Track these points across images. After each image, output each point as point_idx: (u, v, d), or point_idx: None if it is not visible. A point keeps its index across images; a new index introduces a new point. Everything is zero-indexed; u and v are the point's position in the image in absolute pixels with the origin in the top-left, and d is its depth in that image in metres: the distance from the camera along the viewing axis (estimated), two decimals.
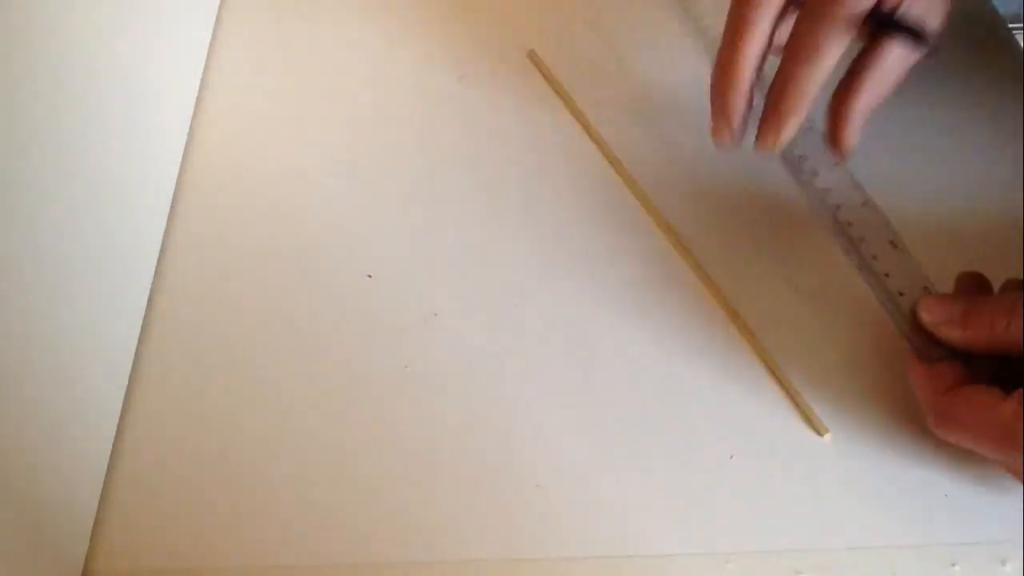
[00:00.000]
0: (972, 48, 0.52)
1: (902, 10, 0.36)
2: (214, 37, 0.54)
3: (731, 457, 0.37)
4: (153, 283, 0.43)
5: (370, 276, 0.44)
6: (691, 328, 0.41)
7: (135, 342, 0.41)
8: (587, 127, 0.49)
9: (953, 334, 0.33)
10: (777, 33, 0.38)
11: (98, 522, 0.36)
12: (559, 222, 0.45)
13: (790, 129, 0.37)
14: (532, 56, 0.53)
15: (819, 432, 0.38)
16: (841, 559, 0.35)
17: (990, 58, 0.52)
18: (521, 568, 0.35)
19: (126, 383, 0.40)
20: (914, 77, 0.51)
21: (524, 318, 0.42)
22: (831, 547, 0.35)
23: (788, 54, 0.36)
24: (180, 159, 0.48)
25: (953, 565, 0.35)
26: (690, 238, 0.44)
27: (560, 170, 0.47)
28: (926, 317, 0.34)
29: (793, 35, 0.37)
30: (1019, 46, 0.53)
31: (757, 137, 0.38)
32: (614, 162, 0.47)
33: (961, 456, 0.37)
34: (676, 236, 0.44)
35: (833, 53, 0.36)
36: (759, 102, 0.39)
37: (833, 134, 0.38)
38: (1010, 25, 0.54)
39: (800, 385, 0.39)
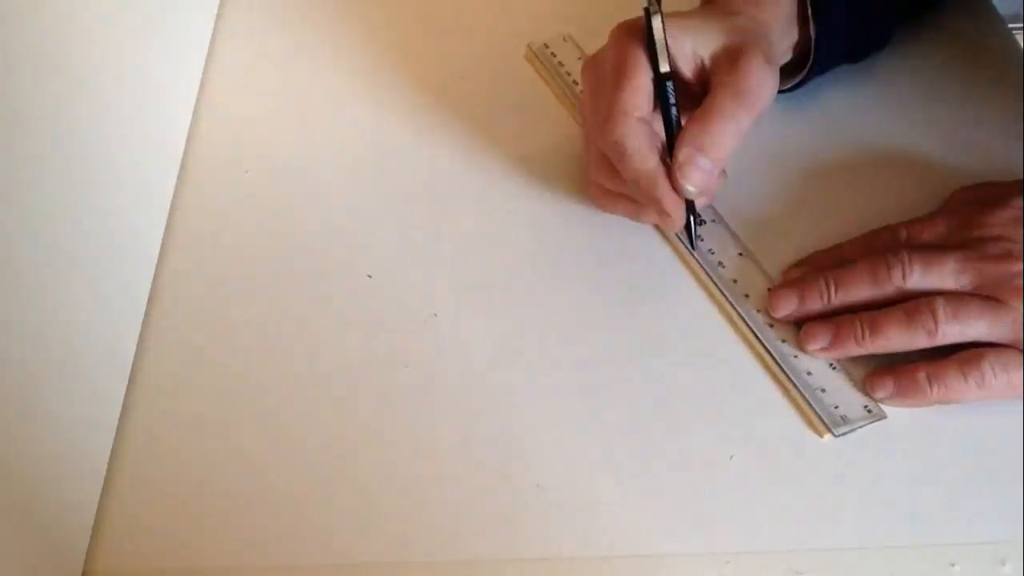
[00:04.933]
0: (972, 48, 0.52)
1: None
2: (214, 36, 0.54)
3: (731, 457, 0.37)
4: (153, 283, 0.43)
5: (370, 276, 0.44)
6: (691, 328, 0.41)
7: (135, 342, 0.41)
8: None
9: (830, 354, 0.39)
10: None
11: (98, 522, 0.36)
12: (559, 221, 0.45)
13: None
14: (530, 56, 0.53)
15: (819, 432, 0.38)
16: (841, 559, 0.35)
17: (990, 58, 0.52)
18: (521, 568, 0.35)
19: (126, 383, 0.40)
20: (915, 77, 0.51)
21: (524, 318, 0.42)
22: (831, 547, 0.35)
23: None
24: (180, 159, 0.48)
25: (953, 565, 0.35)
26: None
27: (559, 169, 0.47)
28: (804, 343, 0.40)
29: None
30: (1019, 46, 0.53)
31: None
32: None
33: (961, 456, 0.37)
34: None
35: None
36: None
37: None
38: (1010, 25, 0.54)
39: (800, 385, 0.39)
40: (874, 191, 0.45)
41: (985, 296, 0.38)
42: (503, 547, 0.35)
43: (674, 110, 0.40)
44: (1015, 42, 0.52)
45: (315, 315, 0.42)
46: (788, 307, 0.40)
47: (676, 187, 0.39)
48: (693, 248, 0.42)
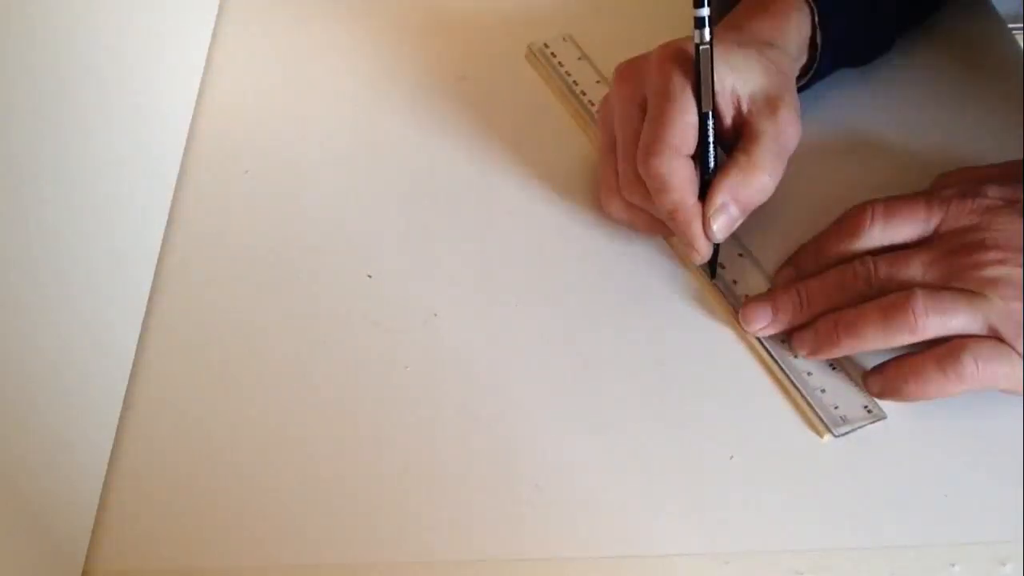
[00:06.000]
0: (972, 48, 0.52)
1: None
2: (215, 36, 0.54)
3: (731, 457, 0.37)
4: (153, 283, 0.43)
5: (370, 276, 0.44)
6: (691, 329, 0.41)
7: (135, 342, 0.41)
8: (585, 126, 0.49)
9: (817, 358, 0.39)
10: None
11: (98, 522, 0.36)
12: (559, 221, 0.45)
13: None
14: (530, 56, 0.53)
15: (819, 432, 0.38)
16: (841, 559, 0.35)
17: (990, 58, 0.52)
18: (521, 568, 0.35)
19: (126, 383, 0.40)
20: (915, 77, 0.51)
21: (524, 318, 0.42)
22: (831, 547, 0.35)
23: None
24: (180, 159, 0.48)
25: (953, 565, 0.35)
26: None
27: (559, 169, 0.47)
28: (794, 349, 0.40)
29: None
30: (1019, 46, 0.53)
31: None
32: None
33: (961, 456, 0.37)
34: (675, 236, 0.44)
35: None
36: None
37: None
38: (1010, 25, 0.54)
39: (800, 385, 0.39)
40: (874, 191, 0.45)
41: (962, 288, 0.37)
42: (503, 547, 0.35)
43: (711, 147, 0.40)
44: (1015, 42, 0.52)
45: (315, 315, 0.42)
46: (761, 322, 0.40)
47: (705, 226, 0.40)
48: (714, 278, 0.42)
